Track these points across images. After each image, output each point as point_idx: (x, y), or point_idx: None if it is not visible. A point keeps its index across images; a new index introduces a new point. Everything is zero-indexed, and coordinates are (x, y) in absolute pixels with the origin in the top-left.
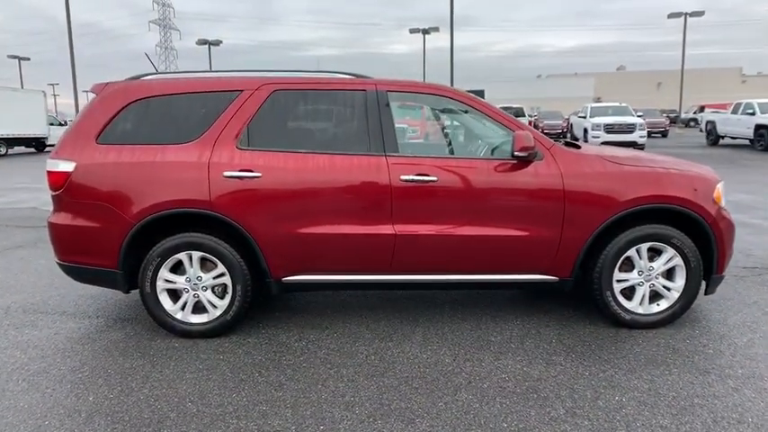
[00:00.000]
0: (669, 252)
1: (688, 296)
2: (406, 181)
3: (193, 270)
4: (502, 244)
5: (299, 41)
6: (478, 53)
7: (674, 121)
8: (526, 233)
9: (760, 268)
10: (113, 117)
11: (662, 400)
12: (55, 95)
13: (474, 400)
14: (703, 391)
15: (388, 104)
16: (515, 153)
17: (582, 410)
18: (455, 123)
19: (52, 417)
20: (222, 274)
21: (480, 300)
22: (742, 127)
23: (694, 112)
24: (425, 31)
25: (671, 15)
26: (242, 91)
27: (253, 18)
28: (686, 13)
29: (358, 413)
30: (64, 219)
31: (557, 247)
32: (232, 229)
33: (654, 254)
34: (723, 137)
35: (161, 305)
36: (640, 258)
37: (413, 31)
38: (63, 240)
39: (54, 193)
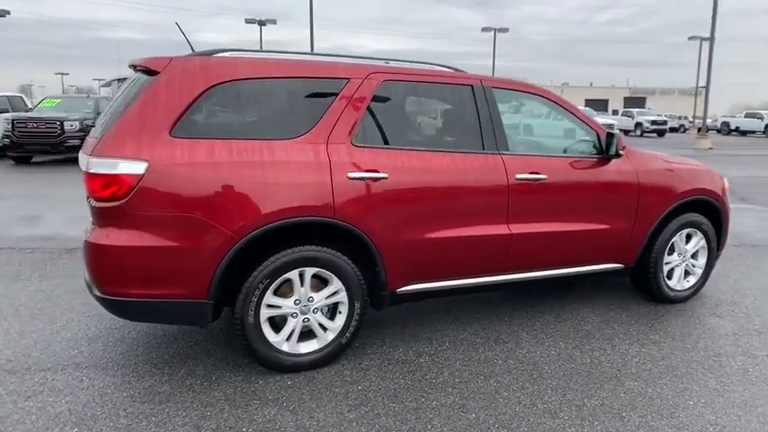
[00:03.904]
0: (699, 236)
1: (707, 272)
2: (521, 180)
3: (304, 290)
4: (595, 237)
5: (93, 20)
6: (293, 48)
7: None
8: (612, 225)
9: None
10: (192, 103)
11: (766, 359)
12: None
13: (643, 385)
14: None
15: (495, 101)
16: (619, 151)
17: (727, 378)
18: (539, 121)
19: None
20: (335, 292)
21: (524, 295)
22: None
23: None
24: (261, 23)
25: (484, 29)
26: (349, 79)
27: None
28: (495, 29)
29: (566, 417)
30: (124, 238)
31: (630, 236)
32: (353, 238)
33: (686, 238)
34: None
35: (265, 337)
36: (681, 242)
37: (249, 21)
38: (121, 267)
39: (106, 205)
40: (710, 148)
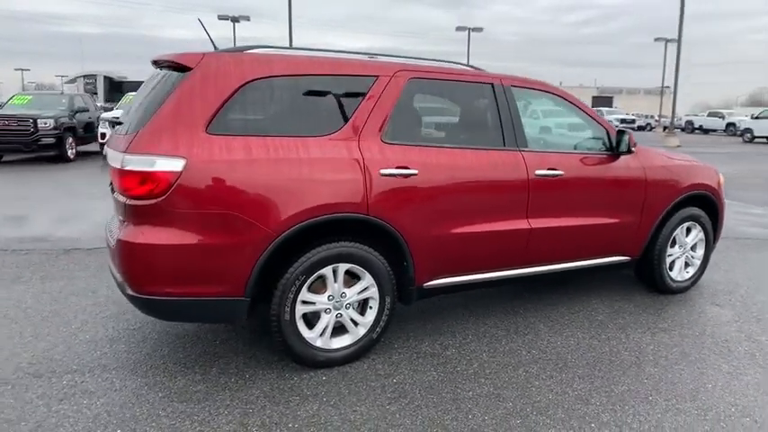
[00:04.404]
0: (698, 228)
1: (705, 263)
2: (540, 175)
3: (338, 286)
4: (606, 230)
5: (50, 14)
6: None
7: None
8: (621, 219)
9: None
10: (227, 100)
11: None
12: None
13: (662, 371)
14: None
15: (514, 98)
16: (631, 148)
17: (737, 362)
18: (554, 118)
19: None
20: (366, 288)
21: (534, 289)
22: None
23: None
24: (235, 19)
25: (458, 28)
26: (378, 77)
27: None
28: (469, 28)
29: (598, 403)
30: (161, 236)
31: (637, 229)
32: (384, 234)
33: (686, 231)
34: None
35: (300, 333)
36: (682, 235)
37: (221, 17)
38: (157, 266)
39: (142, 202)
40: (678, 146)
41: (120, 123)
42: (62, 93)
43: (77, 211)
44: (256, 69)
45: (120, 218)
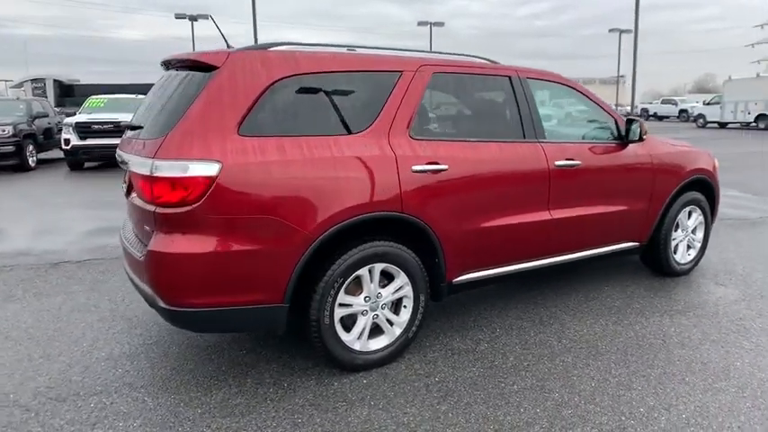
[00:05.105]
0: (698, 212)
1: (705, 245)
2: (559, 166)
3: (374, 286)
4: (619, 218)
5: None
6: (222, 44)
7: None
8: (632, 206)
9: None
10: (257, 99)
11: None
12: None
13: (691, 352)
14: None
15: (531, 90)
16: (642, 136)
17: (757, 339)
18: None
19: None
20: (401, 287)
21: (546, 279)
22: None
23: None
24: (193, 18)
25: (420, 23)
26: (402, 72)
27: None
28: (431, 23)
29: (640, 388)
30: (197, 245)
31: (645, 215)
32: (418, 231)
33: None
34: None
35: (339, 337)
36: (684, 219)
37: (179, 16)
38: (193, 276)
39: (174, 210)
40: None
41: (96, 127)
42: (18, 98)
43: (52, 222)
44: (284, 67)
45: (147, 227)
